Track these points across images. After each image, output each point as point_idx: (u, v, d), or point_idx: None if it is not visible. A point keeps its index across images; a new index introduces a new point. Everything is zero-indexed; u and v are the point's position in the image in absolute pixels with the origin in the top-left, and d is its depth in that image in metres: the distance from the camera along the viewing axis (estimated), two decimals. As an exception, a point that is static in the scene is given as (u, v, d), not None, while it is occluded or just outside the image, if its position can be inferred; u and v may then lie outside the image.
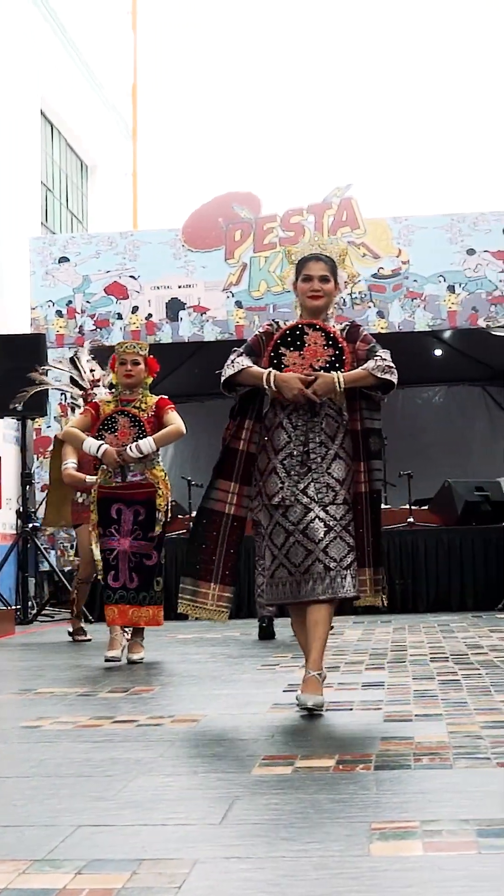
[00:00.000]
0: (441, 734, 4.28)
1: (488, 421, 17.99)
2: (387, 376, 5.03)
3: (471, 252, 12.97)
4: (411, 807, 3.15)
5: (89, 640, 8.93)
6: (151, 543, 7.14)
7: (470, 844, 2.74)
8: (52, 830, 3.02)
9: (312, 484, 4.98)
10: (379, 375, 5.02)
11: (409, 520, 12.31)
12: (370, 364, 5.03)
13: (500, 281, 12.90)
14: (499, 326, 12.88)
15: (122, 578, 7.10)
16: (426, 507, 13.01)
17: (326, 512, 4.95)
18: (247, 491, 5.16)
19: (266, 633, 8.72)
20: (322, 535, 4.92)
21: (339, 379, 4.95)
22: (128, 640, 7.35)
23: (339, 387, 4.96)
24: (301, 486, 4.98)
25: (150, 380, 7.38)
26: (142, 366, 7.25)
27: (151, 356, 7.39)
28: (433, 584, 11.72)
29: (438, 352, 16.47)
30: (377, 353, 5.09)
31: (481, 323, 12.91)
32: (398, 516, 12.59)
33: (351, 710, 5.00)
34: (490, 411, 17.91)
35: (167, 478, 7.33)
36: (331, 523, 4.95)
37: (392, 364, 5.07)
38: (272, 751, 4.09)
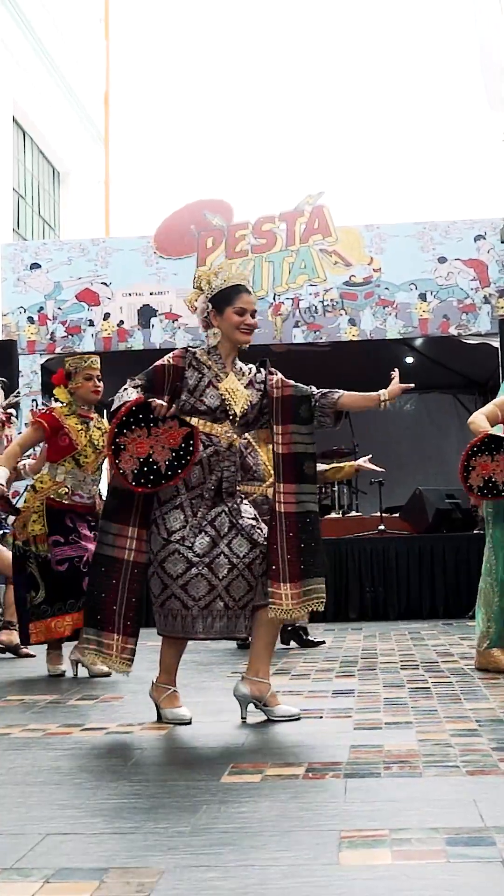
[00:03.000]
0: (411, 742, 4.28)
1: (459, 429, 18.00)
2: None
3: (442, 260, 13.00)
4: (380, 815, 3.15)
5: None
6: None
7: (439, 853, 2.75)
8: (20, 839, 3.00)
9: (225, 516, 4.95)
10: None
11: (380, 527, 12.32)
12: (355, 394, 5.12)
13: (472, 289, 12.93)
14: (470, 334, 12.93)
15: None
16: (397, 515, 13.04)
17: (231, 549, 4.90)
18: (146, 535, 5.01)
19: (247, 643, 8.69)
20: (226, 572, 4.87)
21: (383, 396, 5.07)
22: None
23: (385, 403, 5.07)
24: (209, 518, 4.94)
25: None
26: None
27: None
28: (404, 591, 11.72)
29: (410, 360, 16.50)
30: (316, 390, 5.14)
31: (453, 331, 12.94)
32: (369, 524, 12.60)
33: (321, 717, 5.00)
34: (461, 419, 17.89)
35: None
36: (234, 560, 4.89)
37: None
38: (242, 759, 4.09)
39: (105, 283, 13.49)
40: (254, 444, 7.74)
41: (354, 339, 12.85)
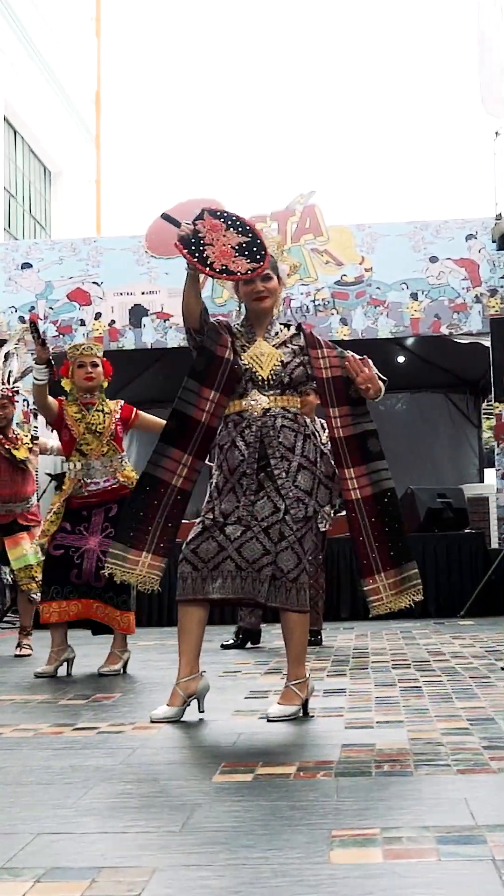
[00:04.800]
0: (402, 741, 4.29)
1: (451, 428, 18.05)
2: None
3: (433, 260, 13.01)
4: (372, 814, 3.15)
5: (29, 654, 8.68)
6: None
7: (430, 851, 2.75)
8: (11, 839, 3.00)
9: (267, 501, 4.93)
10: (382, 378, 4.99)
11: (371, 526, 12.29)
12: (374, 371, 4.95)
13: (463, 289, 12.95)
14: (461, 334, 12.94)
15: (85, 577, 6.85)
16: (389, 514, 13.01)
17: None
18: (199, 465, 5.00)
19: (241, 642, 8.68)
20: (239, 534, 4.91)
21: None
22: (64, 655, 7.14)
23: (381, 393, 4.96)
24: (253, 507, 4.95)
25: (106, 383, 7.27)
26: (100, 367, 7.14)
27: (105, 359, 7.29)
28: (395, 590, 11.71)
29: (401, 359, 16.52)
30: (358, 357, 4.98)
31: (444, 330, 12.95)
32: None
33: (312, 716, 5.00)
34: (453, 418, 17.98)
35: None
36: (250, 521, 4.92)
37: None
38: (233, 758, 4.09)
39: (96, 283, 13.49)
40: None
41: (346, 338, 12.85)
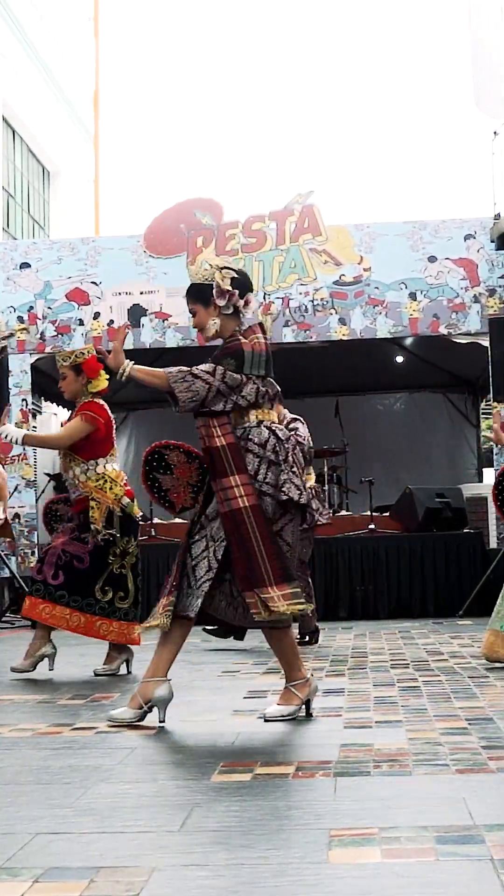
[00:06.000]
0: (400, 741, 4.28)
1: (449, 428, 18.05)
2: (175, 385, 4.80)
3: (432, 259, 13.00)
4: (370, 813, 3.15)
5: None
6: (84, 546, 6.85)
7: (428, 851, 2.75)
8: (9, 839, 3.00)
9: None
10: (171, 383, 4.80)
11: (369, 526, 12.33)
12: (174, 369, 4.85)
13: (462, 288, 12.93)
14: (460, 333, 12.94)
15: (45, 573, 6.82)
16: (387, 514, 13.04)
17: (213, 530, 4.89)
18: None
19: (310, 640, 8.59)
20: (199, 549, 4.89)
21: (126, 366, 4.86)
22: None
23: (124, 371, 4.86)
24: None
25: (95, 383, 7.02)
26: (69, 378, 6.98)
27: (89, 356, 7.01)
28: (394, 590, 11.73)
29: (400, 359, 16.51)
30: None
31: (443, 330, 12.94)
32: (359, 522, 12.60)
33: (312, 716, 5.00)
34: (451, 418, 17.98)
35: (109, 483, 6.91)
36: (207, 538, 4.91)
37: (190, 377, 4.82)
38: (231, 758, 4.09)
39: (95, 283, 13.48)
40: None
41: (344, 338, 12.84)
